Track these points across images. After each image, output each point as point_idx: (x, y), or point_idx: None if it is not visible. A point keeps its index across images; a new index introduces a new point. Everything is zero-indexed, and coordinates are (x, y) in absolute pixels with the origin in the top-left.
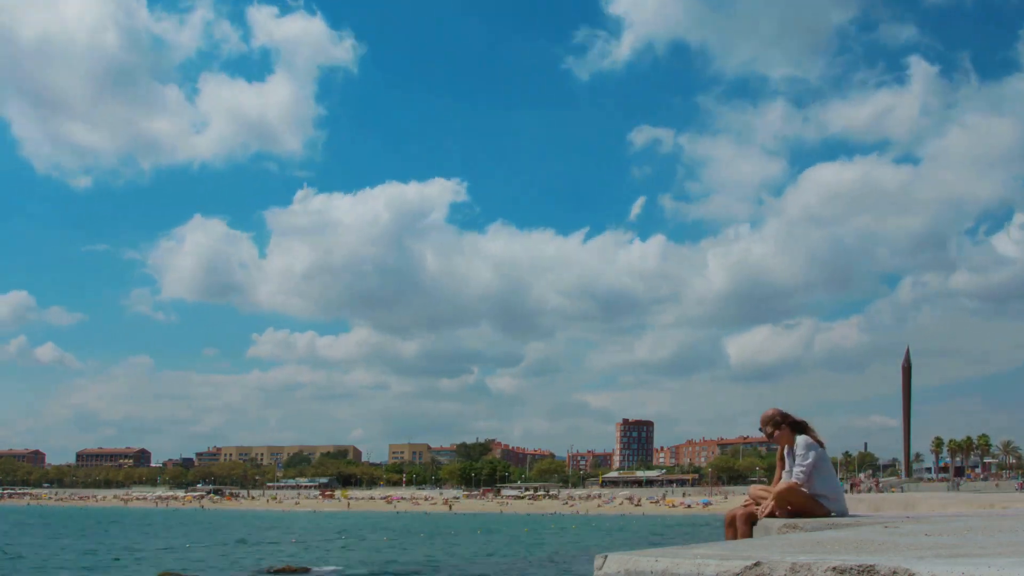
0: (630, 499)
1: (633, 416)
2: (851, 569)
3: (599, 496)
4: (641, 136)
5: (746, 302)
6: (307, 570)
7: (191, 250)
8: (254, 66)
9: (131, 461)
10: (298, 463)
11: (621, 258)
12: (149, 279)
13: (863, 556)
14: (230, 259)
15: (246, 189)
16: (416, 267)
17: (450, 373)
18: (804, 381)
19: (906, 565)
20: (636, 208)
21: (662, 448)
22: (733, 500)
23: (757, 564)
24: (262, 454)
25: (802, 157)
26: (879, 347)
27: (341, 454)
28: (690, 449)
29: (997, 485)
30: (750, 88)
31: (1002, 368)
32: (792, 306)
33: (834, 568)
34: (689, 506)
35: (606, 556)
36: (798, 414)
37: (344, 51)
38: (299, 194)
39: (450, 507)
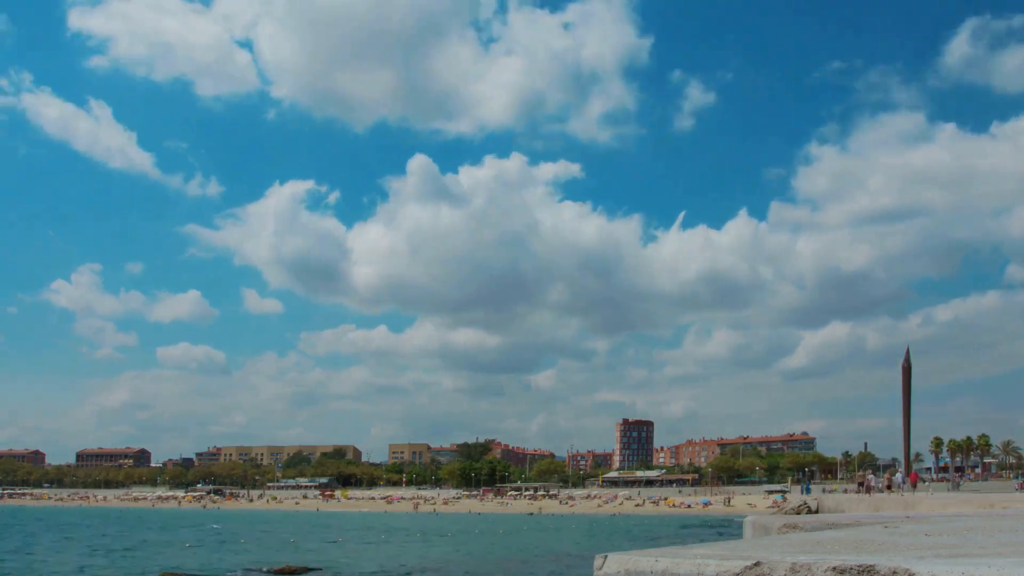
0: (630, 499)
1: (668, 415)
2: (851, 569)
3: (599, 496)
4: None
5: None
6: (307, 570)
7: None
8: None
9: (131, 461)
10: (298, 463)
11: (727, 243)
12: (252, 272)
13: (863, 556)
14: (325, 244)
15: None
16: (516, 253)
17: (519, 369)
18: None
19: (906, 565)
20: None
21: (662, 448)
22: (736, 500)
23: (757, 564)
24: (262, 454)
25: None
26: (926, 343)
27: (340, 454)
28: (690, 449)
29: None
30: None
31: (1004, 368)
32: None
33: (834, 568)
34: (689, 506)
35: (606, 556)
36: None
37: None
38: (412, 163)
39: (435, 509)
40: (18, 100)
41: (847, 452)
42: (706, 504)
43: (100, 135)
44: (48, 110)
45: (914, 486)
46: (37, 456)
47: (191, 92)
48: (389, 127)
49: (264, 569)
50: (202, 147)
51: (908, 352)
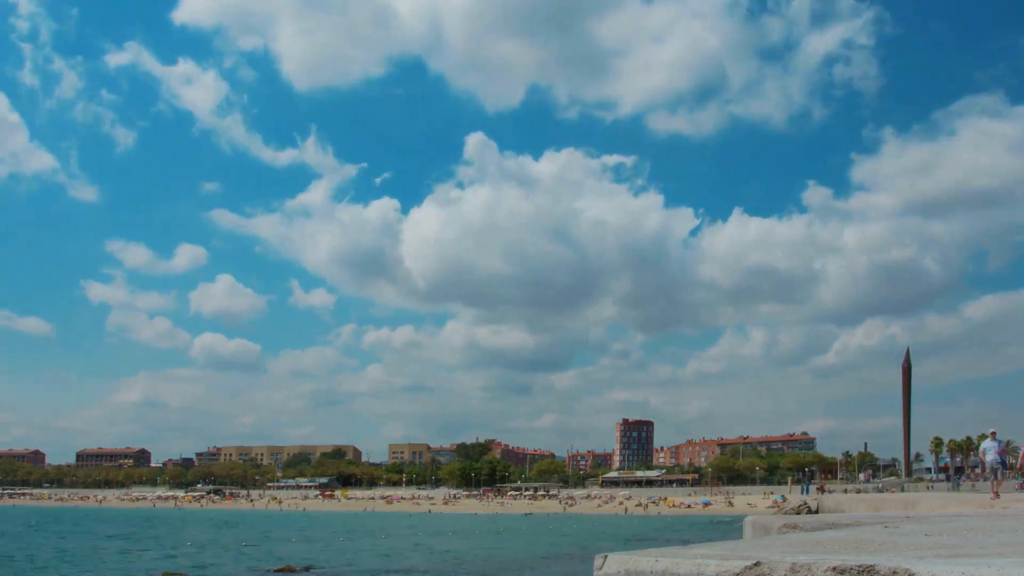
0: (629, 499)
1: (683, 415)
2: (851, 569)
3: (599, 496)
4: None
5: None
6: (307, 569)
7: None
8: None
9: (131, 461)
10: (298, 463)
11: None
12: (291, 268)
13: (863, 556)
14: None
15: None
16: (565, 245)
17: (550, 367)
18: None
19: (906, 565)
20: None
21: (662, 448)
22: (736, 500)
23: (757, 564)
24: (262, 454)
25: None
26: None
27: (339, 454)
28: (690, 449)
29: None
30: None
31: (1007, 368)
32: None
33: (834, 568)
34: (689, 506)
35: (606, 556)
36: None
37: None
38: (470, 140)
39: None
40: (125, 61)
41: (847, 452)
42: (706, 504)
43: (207, 103)
44: (160, 74)
45: None
46: (37, 456)
47: (311, 63)
48: (539, 104)
49: (264, 569)
50: (319, 126)
51: (908, 353)
